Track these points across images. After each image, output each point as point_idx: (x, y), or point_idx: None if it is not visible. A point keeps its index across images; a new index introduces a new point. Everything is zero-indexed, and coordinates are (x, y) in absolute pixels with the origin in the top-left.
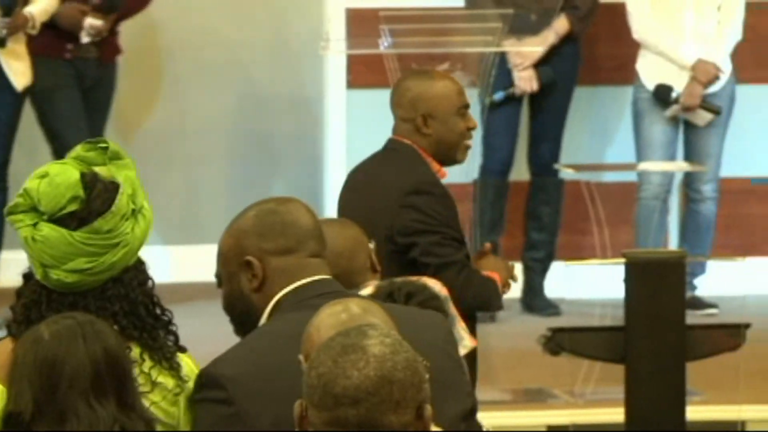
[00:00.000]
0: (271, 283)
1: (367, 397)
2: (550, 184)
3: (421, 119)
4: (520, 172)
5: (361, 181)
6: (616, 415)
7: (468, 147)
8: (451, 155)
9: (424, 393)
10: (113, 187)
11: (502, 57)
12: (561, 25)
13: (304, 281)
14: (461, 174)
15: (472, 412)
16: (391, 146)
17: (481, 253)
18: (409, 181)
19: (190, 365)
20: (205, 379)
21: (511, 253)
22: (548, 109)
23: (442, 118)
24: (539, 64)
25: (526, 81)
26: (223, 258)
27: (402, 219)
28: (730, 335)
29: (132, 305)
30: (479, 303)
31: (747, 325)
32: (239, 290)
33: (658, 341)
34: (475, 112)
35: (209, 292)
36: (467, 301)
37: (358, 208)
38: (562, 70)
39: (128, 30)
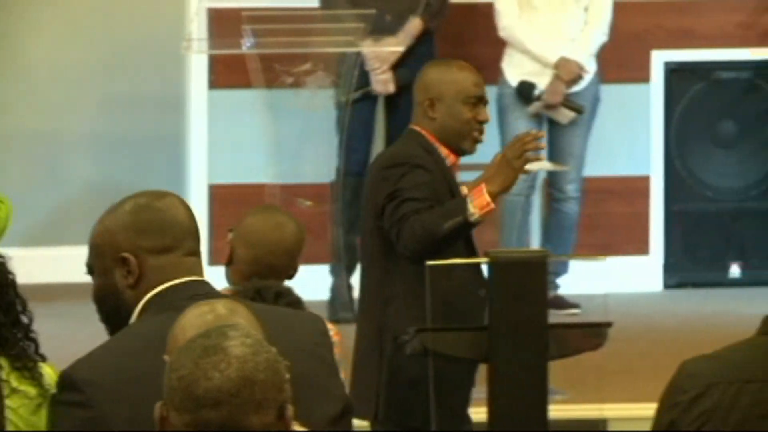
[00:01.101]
0: (147, 281)
1: (229, 399)
2: None
3: (428, 102)
4: None
5: (370, 169)
6: (479, 414)
7: (477, 140)
8: (457, 142)
9: (286, 393)
10: None
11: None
12: (415, 24)
13: (176, 281)
14: (320, 174)
15: (344, 414)
16: (404, 133)
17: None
18: (388, 158)
19: (51, 375)
20: (63, 381)
21: None
22: (405, 110)
23: (448, 103)
24: (396, 65)
25: (382, 84)
26: (96, 250)
27: (379, 194)
28: (592, 334)
29: None
30: (426, 240)
31: (609, 324)
32: (113, 285)
33: (520, 341)
34: (332, 115)
35: (73, 293)
36: (417, 247)
37: (366, 195)
38: (417, 70)
39: None
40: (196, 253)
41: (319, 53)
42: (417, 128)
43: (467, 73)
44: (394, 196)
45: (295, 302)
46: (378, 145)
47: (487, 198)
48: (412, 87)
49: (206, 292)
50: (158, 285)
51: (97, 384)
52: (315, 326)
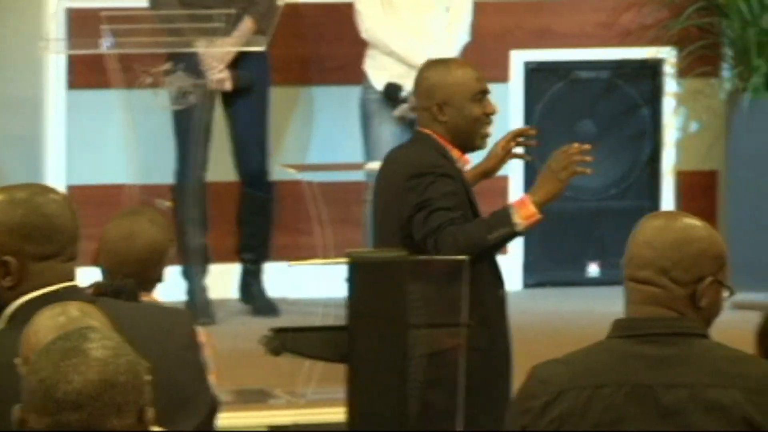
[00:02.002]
0: (25, 285)
1: (89, 402)
2: (261, 195)
3: (436, 107)
4: (224, 173)
5: (380, 174)
6: (339, 414)
7: (487, 135)
8: (469, 142)
9: (146, 396)
10: None
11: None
12: (247, 25)
13: (50, 289)
14: (161, 175)
15: (210, 416)
16: (414, 137)
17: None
18: (411, 166)
19: None
20: None
21: (223, 253)
22: (247, 113)
23: (457, 106)
24: (233, 66)
25: (218, 83)
26: None
27: (404, 204)
28: (452, 333)
29: None
30: (470, 251)
31: (471, 324)
32: None
33: (381, 340)
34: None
35: None
36: (461, 254)
37: (378, 202)
38: (255, 70)
39: None
40: (74, 257)
41: (179, 53)
42: (428, 131)
43: (467, 70)
44: (422, 206)
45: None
46: (217, 146)
47: (533, 208)
48: (251, 90)
49: (77, 299)
50: (35, 290)
51: None
52: (183, 325)
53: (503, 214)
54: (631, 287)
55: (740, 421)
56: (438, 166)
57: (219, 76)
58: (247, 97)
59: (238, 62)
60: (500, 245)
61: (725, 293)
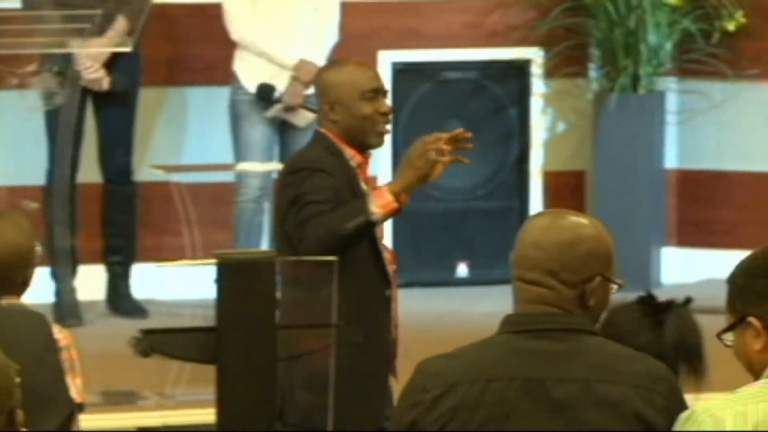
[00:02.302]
0: None
1: None
2: (124, 190)
3: (328, 107)
4: (94, 174)
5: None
6: (208, 415)
7: (382, 132)
8: (363, 140)
9: (15, 398)
10: None
11: None
12: (122, 24)
13: None
14: (42, 176)
15: (70, 418)
16: (312, 136)
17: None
18: (290, 164)
19: None
20: None
21: (91, 255)
22: (115, 113)
23: (346, 104)
24: (107, 66)
25: (94, 82)
26: None
27: (281, 200)
28: (321, 334)
29: None
30: (330, 240)
31: (337, 325)
32: None
33: (250, 341)
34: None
35: None
36: (321, 249)
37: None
38: (124, 72)
39: None
40: None
41: (45, 54)
42: (323, 130)
43: (360, 69)
44: (296, 200)
45: None
46: (90, 148)
47: (389, 197)
48: (126, 93)
49: None
50: None
51: None
52: (41, 330)
53: (360, 204)
54: (519, 287)
55: (631, 416)
56: (315, 162)
57: (94, 75)
58: (115, 97)
59: (113, 62)
60: (358, 234)
61: (613, 288)
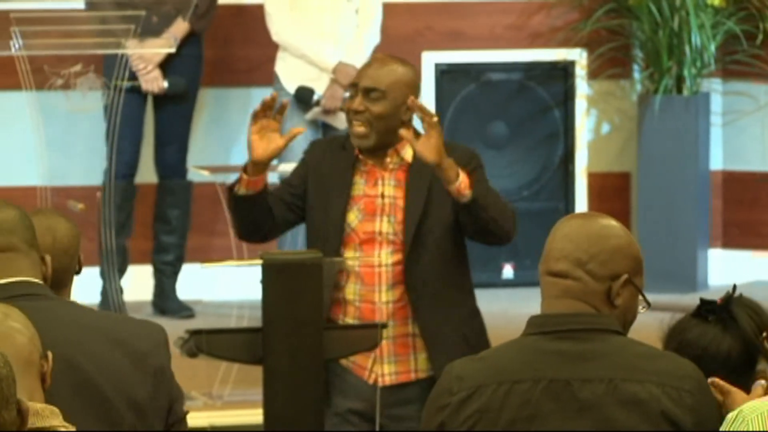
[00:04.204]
0: None
1: None
2: (177, 187)
3: None
4: (150, 174)
5: None
6: (255, 416)
7: (352, 132)
8: None
9: (14, 389)
10: None
11: None
12: (180, 26)
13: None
14: (91, 177)
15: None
16: None
17: None
18: None
19: None
20: None
21: (141, 256)
22: (172, 111)
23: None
24: (163, 67)
25: (151, 83)
26: None
27: None
28: (367, 335)
29: None
30: None
31: (384, 325)
32: None
33: (296, 342)
34: (100, 115)
35: None
36: None
37: None
38: (184, 73)
39: None
40: None
41: (89, 55)
42: None
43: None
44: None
45: None
46: (148, 149)
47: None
48: (183, 96)
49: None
50: None
51: None
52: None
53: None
54: (546, 281)
55: (658, 415)
56: (307, 150)
57: (148, 76)
58: (173, 96)
59: (171, 61)
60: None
61: (641, 306)
